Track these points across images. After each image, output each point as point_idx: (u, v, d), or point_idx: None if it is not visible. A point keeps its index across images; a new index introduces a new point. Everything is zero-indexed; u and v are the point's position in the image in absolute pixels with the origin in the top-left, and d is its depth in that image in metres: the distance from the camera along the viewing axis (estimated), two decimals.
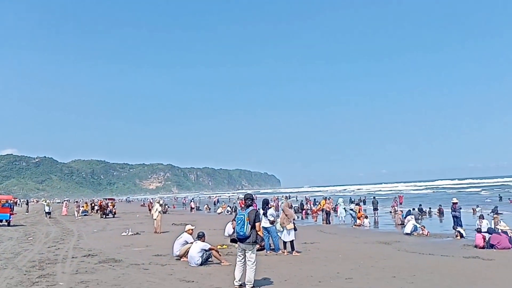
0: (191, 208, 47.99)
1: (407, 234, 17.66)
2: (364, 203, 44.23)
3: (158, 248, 13.32)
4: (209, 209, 47.58)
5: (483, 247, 13.10)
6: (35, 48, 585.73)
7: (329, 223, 25.04)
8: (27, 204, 52.29)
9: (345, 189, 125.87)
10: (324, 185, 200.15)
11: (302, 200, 43.84)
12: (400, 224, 21.68)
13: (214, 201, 62.60)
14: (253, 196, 8.23)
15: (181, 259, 10.91)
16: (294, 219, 12.65)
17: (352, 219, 23.59)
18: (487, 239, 13.36)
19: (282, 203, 37.14)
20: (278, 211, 20.33)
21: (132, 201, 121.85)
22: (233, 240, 8.15)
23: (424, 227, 18.18)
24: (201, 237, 10.64)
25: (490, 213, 20.07)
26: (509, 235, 13.56)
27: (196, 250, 10.15)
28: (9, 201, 26.08)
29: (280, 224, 12.52)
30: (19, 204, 43.16)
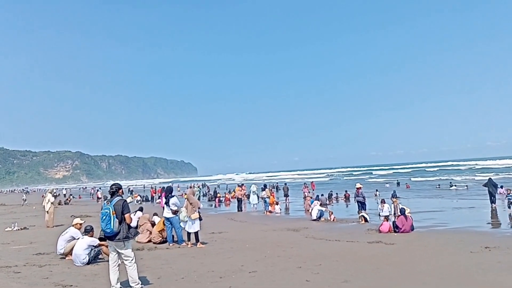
0: (98, 198, 45.11)
1: (314, 220, 17.76)
2: (277, 190, 44.89)
3: (44, 245, 11.80)
4: None
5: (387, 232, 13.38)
6: None
7: (241, 210, 24.67)
8: None
9: (260, 177, 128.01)
10: (240, 172, 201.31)
11: (216, 188, 43.22)
12: (308, 210, 21.88)
13: (129, 190, 59.60)
14: (120, 185, 7.04)
15: (66, 258, 9.61)
16: (199, 208, 11.82)
17: (264, 206, 23.39)
18: (391, 224, 13.71)
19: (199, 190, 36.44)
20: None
21: (34, 191, 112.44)
22: (101, 239, 7.03)
23: (332, 213, 18.43)
24: (88, 231, 9.41)
25: (390, 197, 20.93)
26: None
27: (82, 246, 8.92)
28: None
29: (184, 214, 11.62)
30: None
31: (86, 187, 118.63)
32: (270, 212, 22.65)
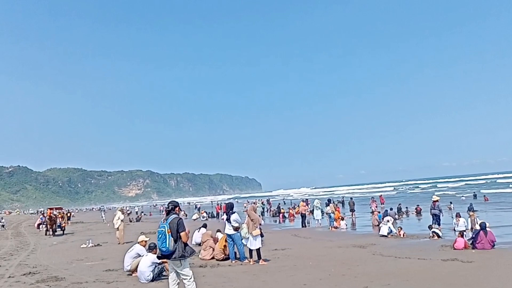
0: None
1: (383, 236, 16.89)
2: (343, 205, 43.66)
3: (114, 261, 12.17)
4: (186, 215, 46.17)
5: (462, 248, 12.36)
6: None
7: (305, 226, 24.17)
8: None
9: (326, 191, 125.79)
10: (305, 187, 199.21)
11: (279, 203, 42.89)
12: (377, 225, 20.92)
13: (195, 206, 60.95)
14: (177, 202, 6.96)
15: (133, 274, 9.78)
16: (260, 224, 11.63)
17: (329, 221, 22.74)
18: (469, 242, 12.65)
19: (258, 206, 36.39)
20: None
21: (110, 209, 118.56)
22: (159, 258, 6.99)
23: (401, 228, 17.45)
24: (152, 248, 9.52)
25: (467, 211, 19.51)
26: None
27: (146, 264, 9.02)
28: None
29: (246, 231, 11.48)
30: None
31: (156, 205, 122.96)
32: (336, 227, 21.95)
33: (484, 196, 41.37)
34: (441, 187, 79.54)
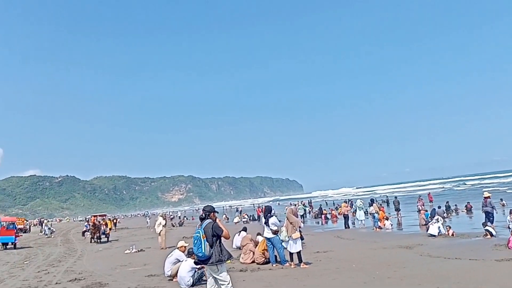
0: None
1: (431, 235, 16.11)
2: (387, 204, 42.47)
3: (156, 267, 12.20)
4: (227, 219, 46.36)
5: None
6: (51, 61, 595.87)
7: (348, 227, 23.56)
8: (40, 224, 51.50)
9: (368, 191, 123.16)
10: (346, 187, 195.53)
11: (321, 205, 42.27)
12: (424, 225, 20.07)
13: (237, 209, 61.19)
14: (212, 207, 6.82)
15: (173, 280, 9.74)
16: (300, 227, 11.33)
17: (373, 221, 22.04)
18: None
19: (299, 208, 35.99)
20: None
21: (154, 214, 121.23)
22: (196, 263, 6.88)
23: (450, 227, 16.61)
24: (191, 254, 9.40)
25: None
26: None
27: (186, 269, 8.96)
28: (14, 223, 25.46)
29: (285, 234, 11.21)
30: (30, 227, 40.79)
31: (198, 209, 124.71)
32: (380, 228, 21.25)
33: None
34: (491, 183, 75.81)
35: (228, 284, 6.36)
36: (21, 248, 24.12)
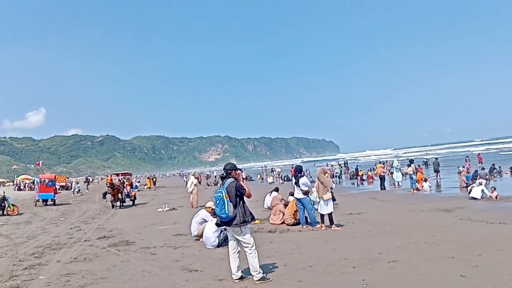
0: (242, 179, 47.23)
1: (473, 198, 15.27)
2: (426, 166, 41.18)
3: (185, 226, 12.12)
4: (262, 179, 46.45)
5: None
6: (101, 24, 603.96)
7: (384, 188, 22.89)
8: (87, 182, 53.36)
9: (407, 152, 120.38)
10: (384, 148, 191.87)
11: (357, 166, 41.39)
12: (464, 187, 19.13)
13: (272, 170, 61.13)
14: (234, 165, 6.41)
15: (200, 239, 9.60)
16: (332, 188, 10.87)
17: (410, 183, 21.24)
18: None
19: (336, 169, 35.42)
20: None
21: (195, 173, 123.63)
22: (218, 225, 6.56)
23: (495, 189, 15.62)
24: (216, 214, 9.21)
25: None
26: None
27: (212, 229, 8.73)
28: (53, 180, 26.29)
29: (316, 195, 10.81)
30: (74, 187, 41.66)
31: None
32: (418, 190, 20.46)
33: None
34: None
35: (252, 246, 6.05)
36: (60, 205, 25.04)
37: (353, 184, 30.62)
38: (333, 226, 10.61)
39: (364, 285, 5.53)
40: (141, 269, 7.17)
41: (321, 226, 10.79)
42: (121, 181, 26.02)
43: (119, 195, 21.08)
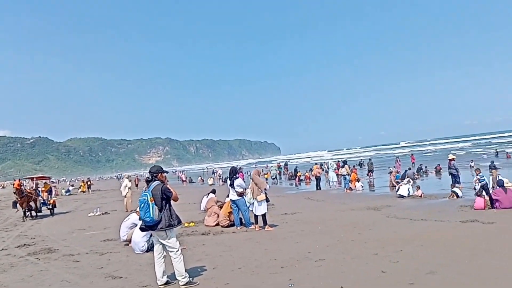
0: (183, 181, 46.70)
1: (401, 196, 16.10)
2: (360, 166, 42.80)
3: (115, 231, 11.71)
4: (203, 181, 46.09)
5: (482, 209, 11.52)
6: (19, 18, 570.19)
7: (320, 188, 23.56)
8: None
9: (344, 153, 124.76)
10: (322, 150, 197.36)
11: (296, 167, 42.24)
12: (393, 186, 20.13)
13: (213, 171, 60.68)
14: (160, 168, 6.31)
15: (129, 244, 9.30)
16: (265, 189, 10.99)
17: (344, 183, 21.99)
18: (487, 198, 11.81)
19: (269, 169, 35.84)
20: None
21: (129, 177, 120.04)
22: (143, 229, 6.40)
23: (419, 188, 16.64)
24: None
25: (488, 169, 18.52)
26: None
27: (141, 234, 8.45)
28: None
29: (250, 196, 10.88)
30: None
31: (176, 171, 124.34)
32: (351, 189, 21.26)
33: (507, 153, 39.88)
34: (462, 146, 77.44)
35: (178, 251, 5.94)
36: None
37: (292, 184, 31.19)
38: (266, 226, 10.73)
39: (290, 285, 5.62)
40: (60, 278, 6.80)
41: (255, 227, 10.86)
42: (35, 187, 22.73)
43: (32, 203, 18.12)
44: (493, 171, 17.89)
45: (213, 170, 66.69)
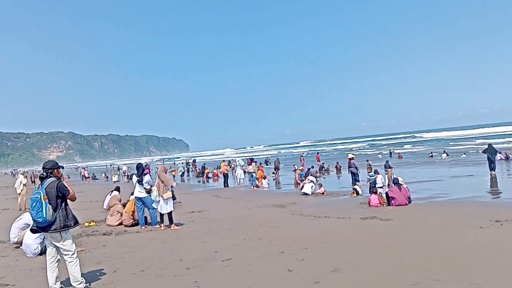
0: (84, 177, 43.93)
1: (305, 194, 16.62)
2: (267, 164, 43.82)
3: (6, 231, 10.48)
4: (107, 177, 43.73)
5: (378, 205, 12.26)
6: None
7: (227, 186, 23.54)
8: None
9: (250, 151, 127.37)
10: (231, 148, 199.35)
11: (204, 164, 41.88)
12: (298, 184, 20.80)
13: (118, 168, 57.97)
14: (55, 163, 5.71)
15: (20, 247, 8.32)
16: (172, 187, 10.57)
17: (251, 180, 22.20)
18: (383, 196, 12.60)
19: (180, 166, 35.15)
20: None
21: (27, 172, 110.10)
22: (34, 231, 5.73)
23: (321, 185, 17.35)
24: None
25: (384, 168, 19.91)
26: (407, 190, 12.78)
27: (33, 235, 7.58)
28: None
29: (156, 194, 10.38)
30: None
31: (78, 167, 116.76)
32: (257, 186, 21.52)
33: (399, 154, 43.47)
34: (359, 146, 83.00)
35: (73, 254, 5.37)
36: None
37: (199, 182, 30.82)
38: (172, 225, 10.33)
39: None
40: None
41: (161, 226, 10.41)
42: None
43: None
44: (388, 170, 19.18)
45: (118, 166, 63.81)
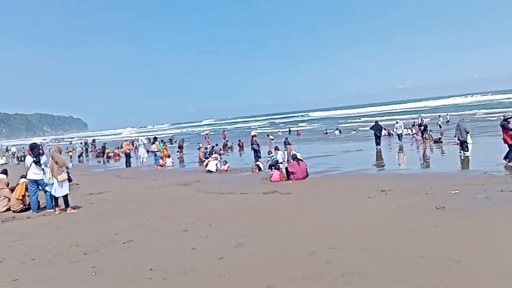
0: None
1: (209, 171, 16.69)
2: (171, 143, 43.13)
3: None
4: None
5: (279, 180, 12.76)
6: None
7: (130, 166, 22.74)
8: None
9: (154, 130, 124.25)
10: (132, 127, 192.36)
11: (104, 143, 39.85)
12: (202, 162, 20.80)
13: (9, 150, 52.60)
14: None
15: None
16: (68, 168, 9.93)
17: (154, 159, 21.64)
18: (284, 171, 13.12)
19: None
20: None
21: None
22: None
23: (226, 162, 17.57)
24: None
25: (283, 145, 20.68)
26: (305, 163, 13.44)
27: None
28: None
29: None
30: None
31: None
32: (161, 166, 21.10)
33: (297, 131, 45.56)
34: (259, 125, 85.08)
35: None
36: None
37: (99, 162, 29.36)
38: (68, 209, 9.76)
39: (94, 273, 5.14)
40: None
41: (55, 210, 9.76)
42: None
43: None
44: (287, 146, 19.93)
45: (6, 147, 58.03)
